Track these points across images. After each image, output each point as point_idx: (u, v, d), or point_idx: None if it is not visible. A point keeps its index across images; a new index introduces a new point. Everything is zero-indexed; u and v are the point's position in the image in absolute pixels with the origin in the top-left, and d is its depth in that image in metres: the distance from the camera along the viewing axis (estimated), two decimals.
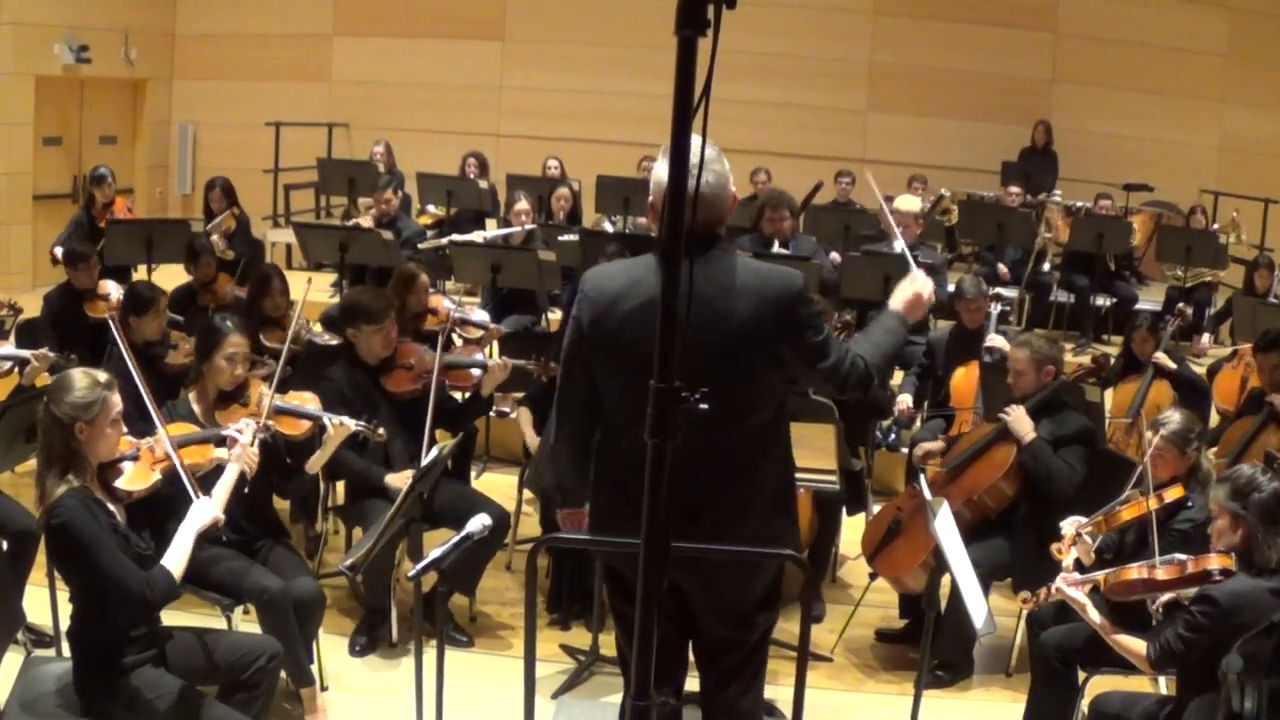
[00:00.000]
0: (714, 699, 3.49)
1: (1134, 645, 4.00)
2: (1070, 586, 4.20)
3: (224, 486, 4.15)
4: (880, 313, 3.59)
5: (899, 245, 5.99)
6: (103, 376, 3.77)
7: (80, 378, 3.72)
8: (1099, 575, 4.13)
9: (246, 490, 4.34)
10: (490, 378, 5.68)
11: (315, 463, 4.79)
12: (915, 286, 3.54)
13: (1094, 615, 4.15)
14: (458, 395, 6.05)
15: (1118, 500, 4.62)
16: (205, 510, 3.88)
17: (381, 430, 4.95)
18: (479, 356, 6.00)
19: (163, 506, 4.06)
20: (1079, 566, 4.55)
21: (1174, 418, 4.63)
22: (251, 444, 4.29)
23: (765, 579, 3.37)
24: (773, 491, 3.35)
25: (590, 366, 3.34)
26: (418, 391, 5.49)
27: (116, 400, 3.76)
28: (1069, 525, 4.58)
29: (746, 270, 3.24)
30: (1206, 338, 10.10)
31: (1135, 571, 4.02)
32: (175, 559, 3.76)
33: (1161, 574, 3.98)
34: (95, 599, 3.65)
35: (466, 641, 5.34)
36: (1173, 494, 4.46)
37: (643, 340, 3.11)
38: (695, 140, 3.16)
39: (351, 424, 4.82)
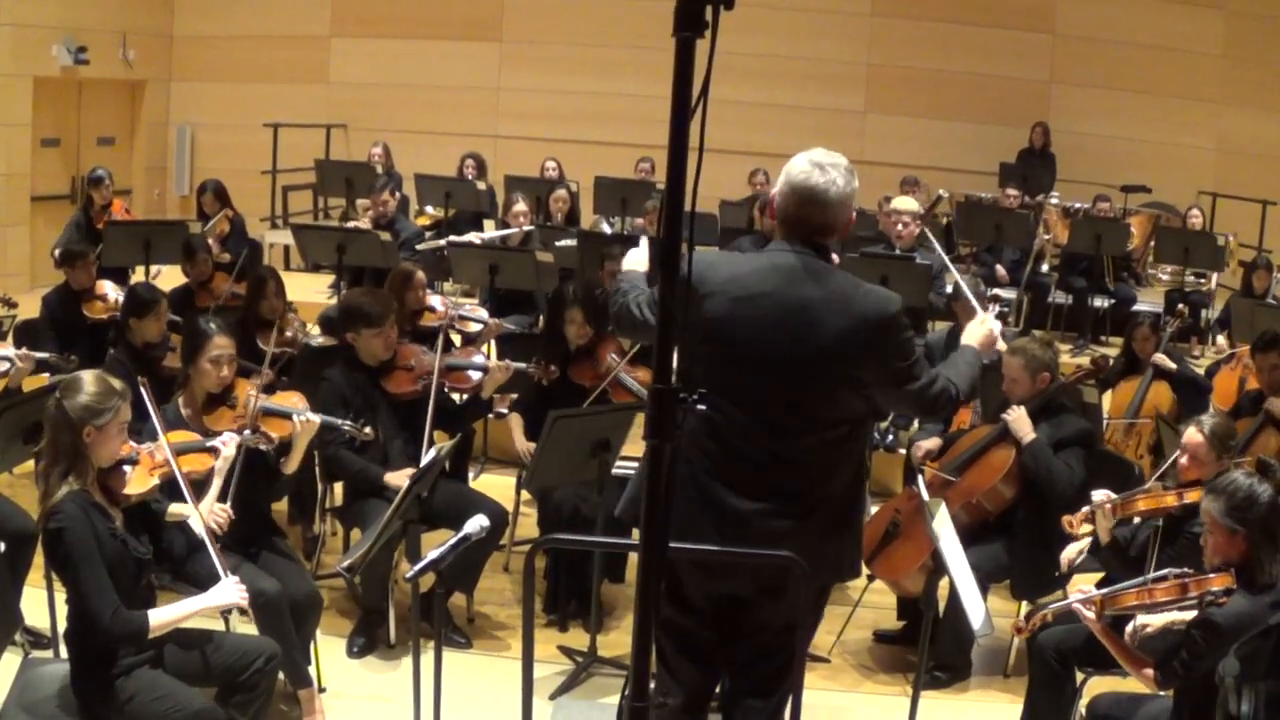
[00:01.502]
0: (744, 705, 3.48)
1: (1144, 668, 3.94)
2: (1085, 608, 4.04)
3: (209, 504, 4.20)
4: (959, 349, 3.74)
5: (958, 282, 5.97)
6: (118, 384, 3.79)
7: (95, 381, 3.74)
8: (1097, 595, 4.05)
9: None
10: (490, 380, 5.67)
11: (289, 464, 4.75)
12: (987, 325, 3.75)
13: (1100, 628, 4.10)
14: (457, 397, 6.04)
15: (1140, 489, 4.61)
16: (228, 594, 3.82)
17: (369, 430, 4.95)
18: (479, 359, 5.99)
19: (156, 513, 4.06)
20: (1095, 545, 4.58)
21: (1213, 418, 4.58)
22: (236, 455, 4.33)
23: (814, 592, 3.37)
24: (839, 506, 3.35)
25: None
26: (417, 393, 5.49)
27: (128, 411, 3.79)
28: (1100, 494, 4.57)
29: (847, 285, 3.25)
30: (1222, 339, 10.08)
31: (1134, 597, 3.94)
32: (163, 618, 3.71)
33: (1161, 596, 3.88)
34: None
35: (465, 643, 5.34)
36: (1194, 496, 4.34)
37: (760, 340, 3.16)
38: (823, 150, 3.25)
39: (337, 423, 4.85)
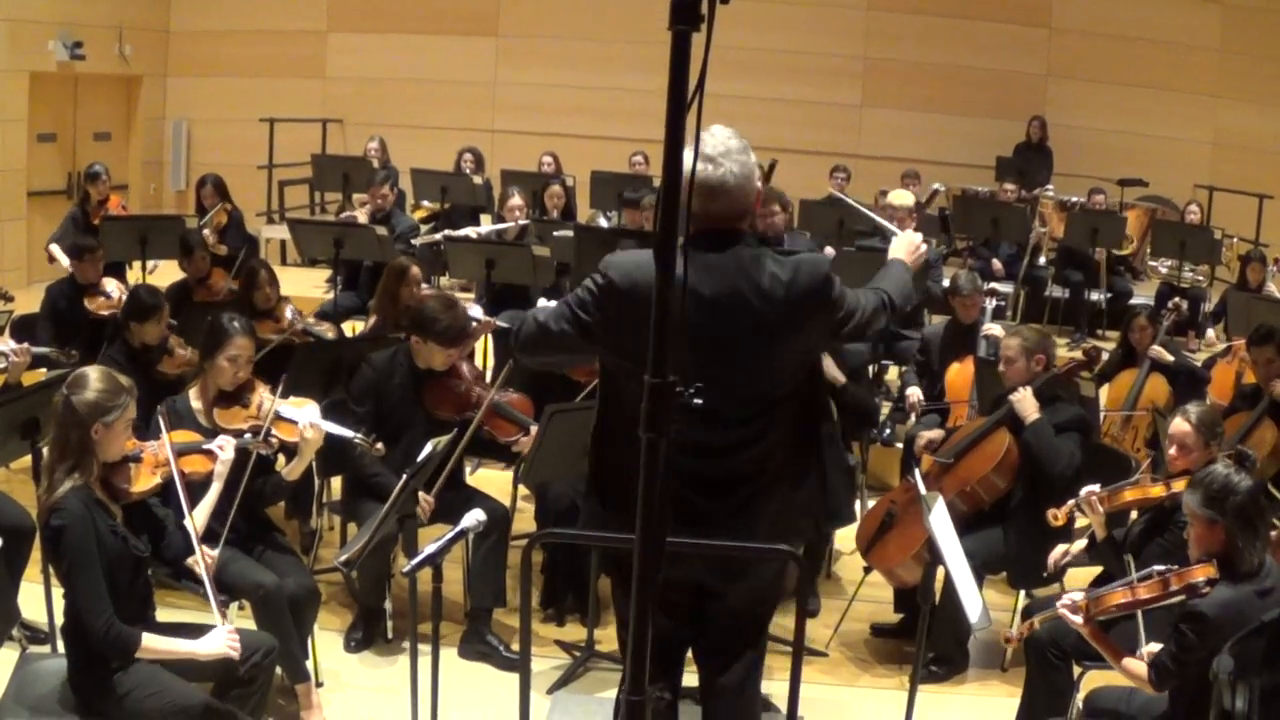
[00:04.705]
0: (716, 687, 3.47)
1: (1136, 668, 3.91)
2: (1072, 613, 4.02)
3: (206, 507, 4.22)
4: (887, 262, 3.65)
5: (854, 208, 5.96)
6: (125, 381, 3.81)
7: (103, 379, 3.75)
8: (1081, 600, 4.03)
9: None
10: (528, 440, 5.36)
11: (294, 470, 4.69)
12: (909, 236, 3.74)
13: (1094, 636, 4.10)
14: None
15: (1128, 481, 4.61)
16: (217, 644, 3.80)
17: (380, 446, 4.92)
18: (516, 401, 5.56)
19: (151, 512, 4.07)
20: (1091, 543, 4.60)
21: (1199, 407, 4.59)
22: (249, 459, 4.35)
23: (778, 568, 3.36)
24: (796, 453, 3.31)
25: (601, 357, 3.30)
26: (454, 420, 5.29)
27: (134, 409, 3.81)
28: (1085, 490, 4.59)
29: (774, 262, 3.22)
30: (1211, 332, 10.10)
31: (1119, 595, 3.93)
32: (154, 645, 3.71)
33: (1144, 593, 3.86)
34: None
35: (514, 656, 5.11)
36: (1182, 486, 4.31)
37: (701, 339, 3.10)
38: (722, 132, 3.19)
39: (348, 435, 4.83)
